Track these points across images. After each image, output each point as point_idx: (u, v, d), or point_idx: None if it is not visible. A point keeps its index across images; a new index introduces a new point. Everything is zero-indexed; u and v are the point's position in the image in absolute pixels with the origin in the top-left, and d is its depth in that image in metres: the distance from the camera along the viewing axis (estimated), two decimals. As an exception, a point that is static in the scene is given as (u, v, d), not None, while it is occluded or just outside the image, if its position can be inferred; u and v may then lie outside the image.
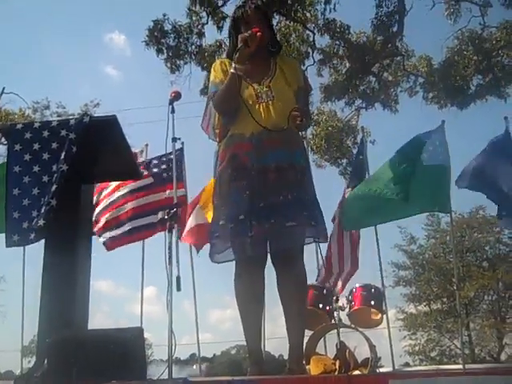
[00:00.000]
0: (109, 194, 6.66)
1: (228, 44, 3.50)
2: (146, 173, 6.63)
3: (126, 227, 6.70)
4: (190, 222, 7.20)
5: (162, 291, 3.84)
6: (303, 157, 3.23)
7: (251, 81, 3.16)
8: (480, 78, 12.85)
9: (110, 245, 6.54)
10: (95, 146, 2.84)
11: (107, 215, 6.58)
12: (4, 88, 17.68)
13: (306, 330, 3.94)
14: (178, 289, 3.80)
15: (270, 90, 3.14)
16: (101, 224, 6.53)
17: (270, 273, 3.20)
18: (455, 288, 12.05)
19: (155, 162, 6.70)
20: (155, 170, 6.69)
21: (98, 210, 6.55)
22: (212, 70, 3.33)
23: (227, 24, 11.66)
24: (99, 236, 6.45)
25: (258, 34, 3.04)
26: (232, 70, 3.03)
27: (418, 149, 6.55)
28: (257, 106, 3.10)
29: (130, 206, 6.64)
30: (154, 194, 6.49)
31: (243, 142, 3.06)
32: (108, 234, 6.55)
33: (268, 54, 3.29)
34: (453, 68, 12.72)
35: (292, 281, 3.15)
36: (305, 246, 3.22)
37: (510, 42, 12.48)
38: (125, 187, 6.58)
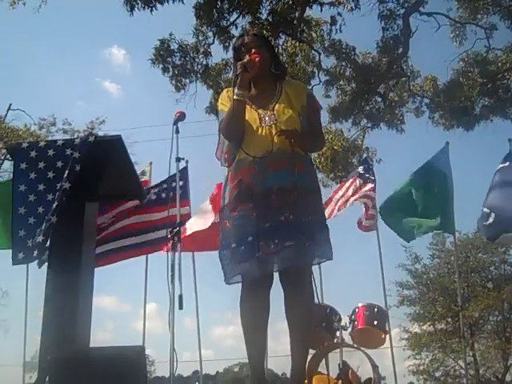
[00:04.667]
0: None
1: (233, 73, 3.57)
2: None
3: (125, 242, 6.76)
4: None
5: (165, 307, 3.87)
6: (309, 178, 3.23)
7: (256, 107, 3.20)
8: (485, 99, 12.89)
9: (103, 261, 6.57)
10: (100, 165, 2.88)
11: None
12: (10, 104, 17.84)
13: (309, 350, 3.94)
14: (181, 307, 3.83)
15: (273, 114, 3.17)
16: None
17: (274, 288, 3.23)
18: (459, 308, 11.98)
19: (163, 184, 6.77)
20: (159, 188, 6.75)
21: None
22: (219, 99, 3.38)
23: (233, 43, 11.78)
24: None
25: (257, 59, 3.10)
26: (234, 97, 3.06)
27: (434, 174, 6.84)
28: (260, 130, 3.13)
29: (129, 221, 6.71)
30: (157, 213, 6.54)
31: (247, 165, 3.09)
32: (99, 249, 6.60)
33: (273, 78, 3.32)
34: (458, 89, 12.76)
35: (300, 303, 3.16)
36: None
37: (516, 64, 12.57)
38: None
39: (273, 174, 3.06)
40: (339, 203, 7.41)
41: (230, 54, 12.04)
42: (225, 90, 3.43)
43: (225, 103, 3.27)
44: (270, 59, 3.28)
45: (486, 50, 12.99)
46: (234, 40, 3.60)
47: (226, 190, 3.24)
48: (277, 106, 3.21)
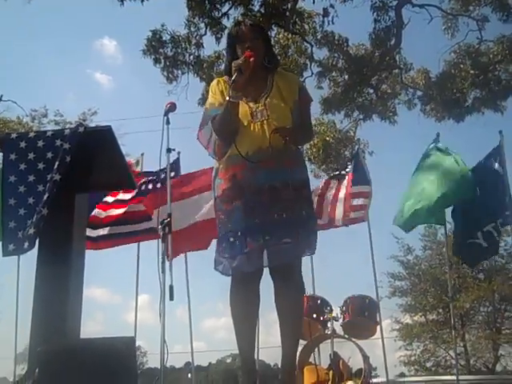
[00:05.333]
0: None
1: (225, 62, 3.49)
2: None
3: (119, 229, 6.78)
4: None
5: (156, 299, 3.87)
6: (301, 174, 3.23)
7: (247, 99, 3.15)
8: (477, 91, 12.94)
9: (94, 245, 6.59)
10: (90, 156, 2.87)
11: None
12: (2, 95, 17.71)
13: (300, 340, 3.97)
14: (171, 298, 3.83)
15: (265, 109, 3.14)
16: None
17: (264, 279, 3.24)
18: (450, 299, 12.05)
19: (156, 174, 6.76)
20: (152, 179, 6.75)
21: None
22: (210, 90, 3.32)
23: (225, 35, 11.74)
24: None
25: (251, 59, 3.03)
26: (229, 99, 2.99)
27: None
28: (252, 126, 3.10)
29: (119, 211, 6.73)
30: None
31: (239, 162, 3.07)
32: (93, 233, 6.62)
33: (265, 70, 3.28)
34: (450, 81, 12.81)
35: (289, 295, 3.19)
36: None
37: (507, 56, 12.58)
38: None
39: (265, 172, 3.05)
40: (331, 209, 7.37)
41: (223, 45, 12.04)
42: (215, 81, 3.35)
43: (216, 97, 3.22)
44: (264, 51, 3.24)
45: (478, 42, 13.06)
46: (230, 27, 3.55)
47: (215, 182, 3.23)
48: (268, 100, 3.18)
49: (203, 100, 12.46)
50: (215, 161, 3.28)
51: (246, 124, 3.11)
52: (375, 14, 11.48)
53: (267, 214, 3.03)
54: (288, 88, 3.27)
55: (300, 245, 3.09)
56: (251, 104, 3.16)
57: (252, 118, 3.12)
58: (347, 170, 7.58)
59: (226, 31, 11.81)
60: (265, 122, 3.10)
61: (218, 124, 3.11)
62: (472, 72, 12.74)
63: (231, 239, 3.04)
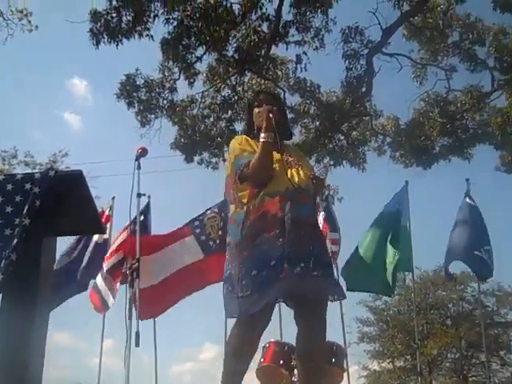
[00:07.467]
0: None
1: (245, 123, 3.76)
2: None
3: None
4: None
5: (122, 344, 3.83)
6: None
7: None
8: (445, 139, 13.23)
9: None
10: (60, 200, 2.86)
11: None
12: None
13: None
14: (137, 344, 3.80)
15: (294, 159, 3.44)
16: None
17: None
18: (417, 346, 12.05)
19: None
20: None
21: None
22: (236, 144, 3.47)
23: (199, 80, 11.95)
24: None
25: (275, 108, 3.36)
26: (266, 140, 3.24)
27: (395, 217, 6.94)
28: (284, 168, 3.32)
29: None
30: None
31: (276, 198, 3.23)
32: None
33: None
34: (419, 129, 13.12)
35: (319, 337, 3.28)
36: None
37: (474, 105, 12.95)
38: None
39: (302, 206, 3.26)
40: None
41: (196, 89, 12.23)
42: (241, 137, 3.54)
43: (246, 147, 3.41)
44: (279, 118, 3.42)
45: (446, 91, 13.46)
46: (251, 96, 4.11)
47: (240, 227, 3.25)
48: (292, 153, 3.50)
49: (175, 144, 12.54)
50: (234, 208, 3.36)
51: (279, 166, 3.31)
52: (347, 61, 11.77)
53: (304, 246, 3.15)
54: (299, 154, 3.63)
55: (330, 284, 3.26)
56: (278, 152, 3.36)
57: (286, 164, 3.35)
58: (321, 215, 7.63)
59: (200, 76, 12.02)
60: (299, 168, 3.39)
61: (257, 165, 3.25)
62: (440, 120, 13.08)
63: (263, 270, 3.06)
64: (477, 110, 13.14)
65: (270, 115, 3.28)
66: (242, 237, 3.22)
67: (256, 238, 3.15)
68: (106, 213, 7.42)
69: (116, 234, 6.75)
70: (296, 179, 3.30)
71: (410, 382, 22.26)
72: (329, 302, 3.33)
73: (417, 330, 10.83)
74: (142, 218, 6.04)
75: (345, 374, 5.95)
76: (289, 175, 3.29)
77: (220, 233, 6.58)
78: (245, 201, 3.30)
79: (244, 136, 3.54)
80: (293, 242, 3.11)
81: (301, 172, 3.37)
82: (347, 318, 7.20)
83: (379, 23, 11.54)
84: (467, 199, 7.15)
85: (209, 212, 6.80)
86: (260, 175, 3.28)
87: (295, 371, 5.39)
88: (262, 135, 3.25)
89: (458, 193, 7.11)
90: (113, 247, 6.49)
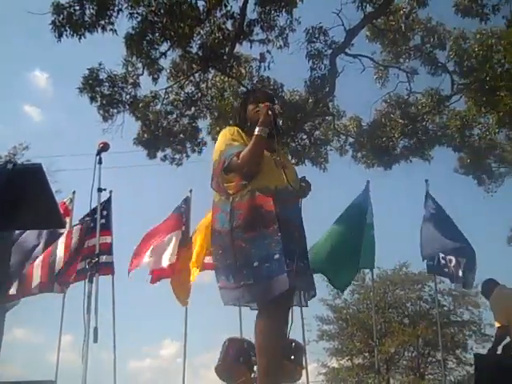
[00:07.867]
0: None
1: (237, 116, 3.81)
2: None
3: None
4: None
5: (80, 340, 3.80)
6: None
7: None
8: (405, 140, 13.42)
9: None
10: (17, 193, 2.83)
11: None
12: None
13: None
14: (95, 340, 3.77)
15: (283, 160, 3.50)
16: None
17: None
18: (375, 343, 12.22)
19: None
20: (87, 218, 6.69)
21: None
22: (228, 133, 3.54)
23: (163, 76, 11.88)
24: None
25: (275, 106, 3.46)
26: (260, 133, 3.30)
27: (360, 215, 7.02)
28: (276, 167, 3.40)
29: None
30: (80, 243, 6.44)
31: (268, 193, 3.29)
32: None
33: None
34: (380, 129, 13.26)
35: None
36: None
37: (435, 107, 13.17)
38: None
39: (291, 206, 3.40)
40: None
41: (160, 85, 12.16)
42: (234, 128, 3.59)
43: (236, 137, 3.48)
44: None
45: (408, 93, 13.66)
46: (247, 93, 4.14)
47: (230, 216, 3.31)
48: (281, 156, 3.52)
49: (138, 139, 12.44)
50: (219, 197, 3.44)
51: (269, 165, 3.39)
52: (311, 61, 11.81)
53: (297, 244, 3.28)
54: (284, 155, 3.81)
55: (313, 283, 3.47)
56: (268, 151, 3.44)
57: (275, 163, 3.42)
58: None
59: (163, 72, 11.95)
60: (286, 169, 3.42)
61: (247, 158, 3.32)
62: (401, 121, 13.27)
63: (266, 262, 3.14)
64: (437, 112, 13.37)
65: (270, 112, 3.34)
66: (231, 226, 3.28)
67: (252, 231, 3.22)
68: (67, 204, 7.34)
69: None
70: (283, 180, 3.36)
71: (368, 380, 22.49)
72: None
73: (375, 328, 11.01)
74: (104, 213, 6.02)
75: (303, 371, 6.02)
76: (279, 173, 3.35)
77: None
78: (231, 192, 3.37)
79: (237, 128, 3.58)
80: (287, 240, 3.20)
81: (288, 172, 3.42)
82: (307, 316, 7.25)
83: (343, 24, 11.67)
84: (430, 201, 7.27)
85: None
86: (249, 167, 3.34)
87: (255, 368, 5.43)
88: (257, 128, 3.31)
89: (417, 193, 7.25)
90: (70, 243, 6.48)
